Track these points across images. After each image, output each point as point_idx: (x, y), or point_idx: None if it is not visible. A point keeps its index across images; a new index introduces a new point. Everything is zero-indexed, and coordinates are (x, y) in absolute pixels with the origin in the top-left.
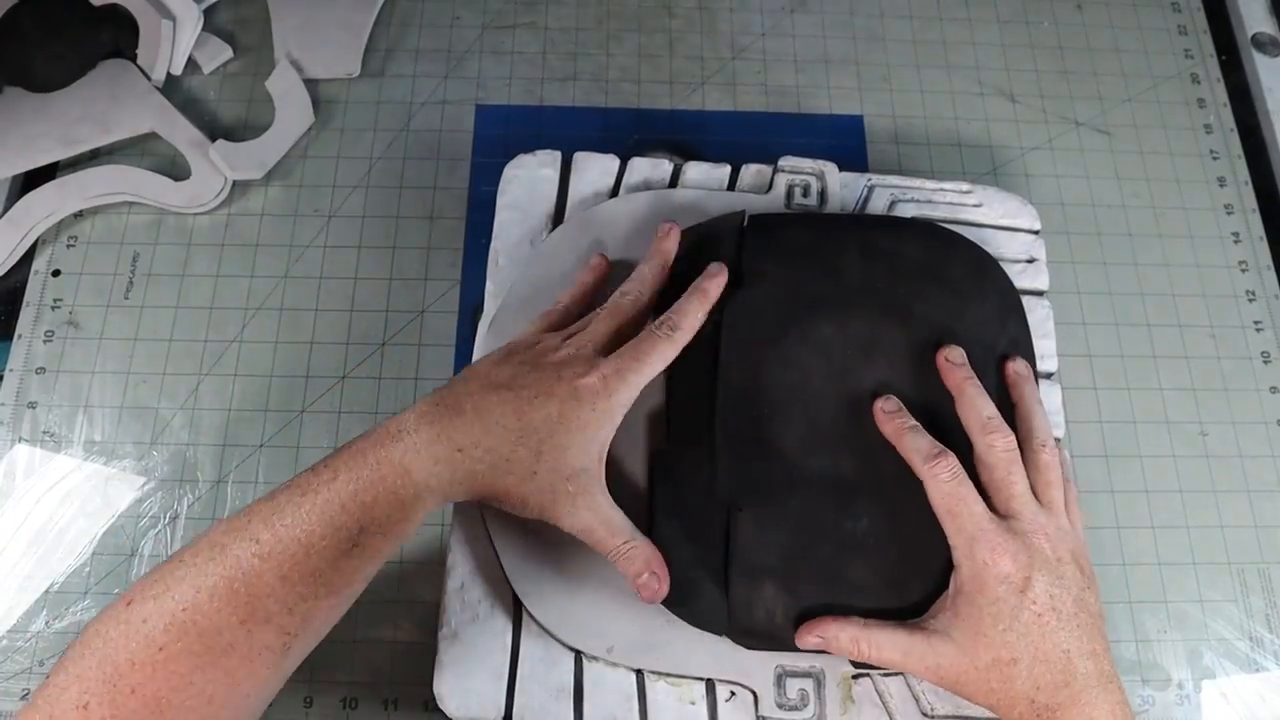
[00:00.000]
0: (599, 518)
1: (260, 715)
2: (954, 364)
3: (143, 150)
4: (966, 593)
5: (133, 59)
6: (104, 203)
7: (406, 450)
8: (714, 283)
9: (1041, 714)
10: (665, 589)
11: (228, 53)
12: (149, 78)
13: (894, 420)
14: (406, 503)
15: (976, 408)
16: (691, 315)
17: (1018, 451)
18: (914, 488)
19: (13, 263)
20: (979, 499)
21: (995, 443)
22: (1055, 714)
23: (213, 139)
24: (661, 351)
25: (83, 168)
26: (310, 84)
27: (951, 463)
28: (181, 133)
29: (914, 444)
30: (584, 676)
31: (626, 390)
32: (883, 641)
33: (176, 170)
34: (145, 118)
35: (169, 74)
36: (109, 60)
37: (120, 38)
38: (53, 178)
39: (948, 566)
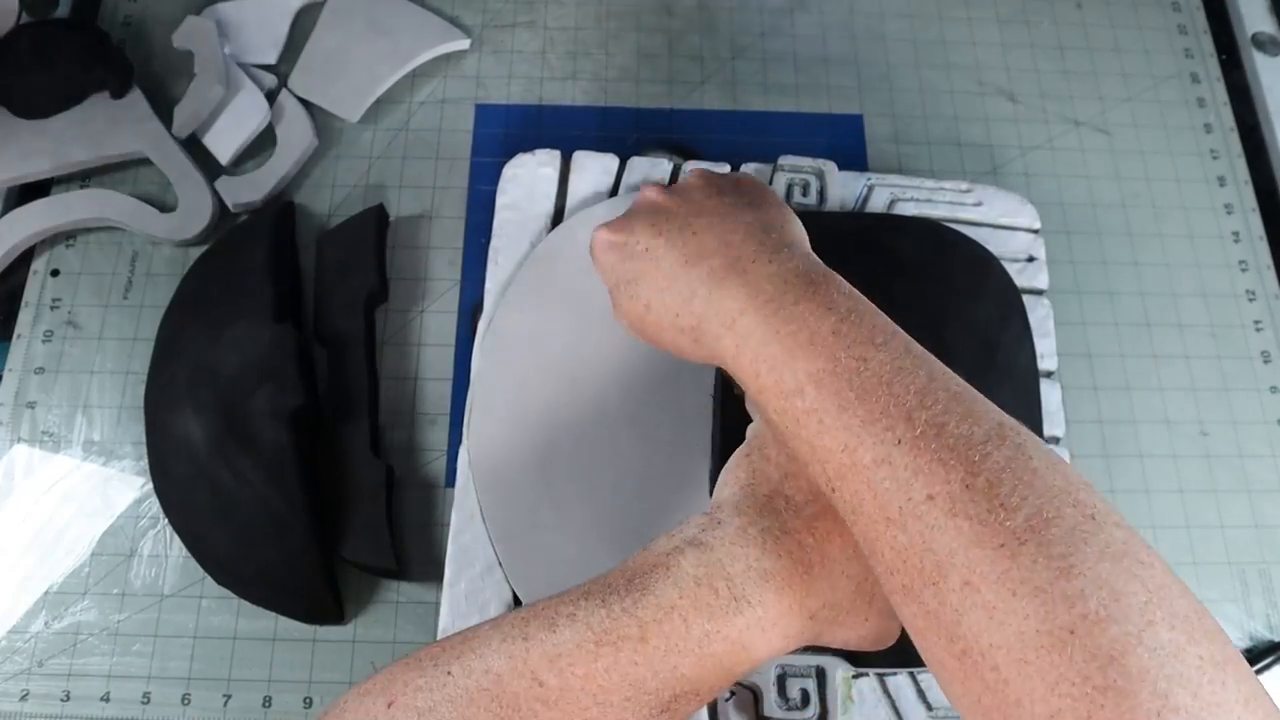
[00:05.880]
0: None
1: None
2: None
3: (136, 177)
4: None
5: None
6: (89, 226)
7: (749, 627)
8: None
9: (695, 336)
10: None
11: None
12: (165, 122)
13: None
14: (738, 675)
15: None
16: None
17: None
18: None
19: None
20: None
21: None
22: (700, 329)
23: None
24: None
25: (73, 189)
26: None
27: None
28: (174, 162)
29: None
30: None
31: None
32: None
33: (168, 198)
34: (139, 142)
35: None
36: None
37: (110, 80)
38: (47, 193)
39: None
